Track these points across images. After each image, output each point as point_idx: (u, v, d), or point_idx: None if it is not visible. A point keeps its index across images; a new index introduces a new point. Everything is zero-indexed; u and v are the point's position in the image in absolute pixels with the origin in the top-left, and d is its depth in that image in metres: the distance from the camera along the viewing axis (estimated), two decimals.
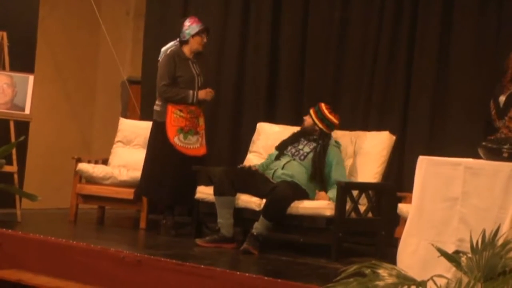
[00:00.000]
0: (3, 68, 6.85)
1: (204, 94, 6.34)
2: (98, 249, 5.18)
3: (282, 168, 5.89)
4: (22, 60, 7.40)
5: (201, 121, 6.40)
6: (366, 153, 6.05)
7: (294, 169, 5.86)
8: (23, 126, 7.06)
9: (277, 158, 6.03)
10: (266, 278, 4.48)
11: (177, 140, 6.27)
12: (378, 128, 6.28)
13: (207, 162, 6.47)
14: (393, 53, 6.57)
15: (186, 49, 6.36)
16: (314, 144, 5.96)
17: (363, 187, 5.76)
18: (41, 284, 5.02)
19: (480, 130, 5.81)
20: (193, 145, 6.32)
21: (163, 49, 6.45)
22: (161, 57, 6.43)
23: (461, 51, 6.26)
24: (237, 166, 6.21)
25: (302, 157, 5.91)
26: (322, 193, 5.74)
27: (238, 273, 4.59)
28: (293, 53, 7.16)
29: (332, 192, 5.62)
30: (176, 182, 6.25)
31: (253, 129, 6.72)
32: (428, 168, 3.95)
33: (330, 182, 5.79)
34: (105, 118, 8.44)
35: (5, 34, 6.86)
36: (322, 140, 5.94)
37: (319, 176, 5.83)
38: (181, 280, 4.70)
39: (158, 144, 6.35)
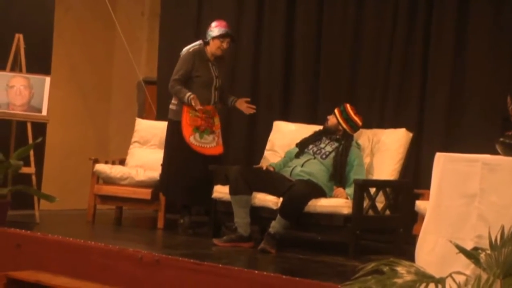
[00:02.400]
0: (20, 70, 6.89)
1: (245, 107, 6.48)
2: (116, 250, 5.19)
3: (302, 166, 5.89)
4: (39, 62, 7.44)
5: (217, 121, 6.42)
6: (383, 150, 6.03)
7: (314, 168, 5.85)
8: (40, 128, 7.10)
9: (297, 155, 6.02)
10: (284, 276, 4.48)
11: (192, 139, 6.29)
12: (395, 125, 6.26)
13: (223, 161, 6.49)
14: (408, 50, 6.55)
15: (208, 50, 6.41)
16: (336, 144, 5.96)
17: (381, 185, 5.74)
18: (59, 285, 5.04)
19: (497, 126, 5.77)
20: (209, 144, 6.34)
21: (186, 48, 6.49)
22: (182, 53, 6.47)
23: (477, 46, 6.22)
24: (253, 166, 6.21)
25: (324, 156, 5.90)
26: (340, 189, 5.73)
27: (256, 272, 4.59)
28: (308, 51, 7.14)
29: (350, 189, 5.62)
30: (193, 181, 6.28)
31: (269, 128, 6.72)
32: (445, 165, 3.93)
33: (349, 182, 5.78)
34: (121, 118, 8.46)
35: (21, 36, 6.90)
36: (344, 141, 5.94)
37: (339, 176, 5.83)
38: (199, 279, 4.71)
39: (174, 143, 6.38)
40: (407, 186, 5.85)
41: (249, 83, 7.46)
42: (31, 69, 6.96)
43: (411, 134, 6.07)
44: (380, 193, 5.70)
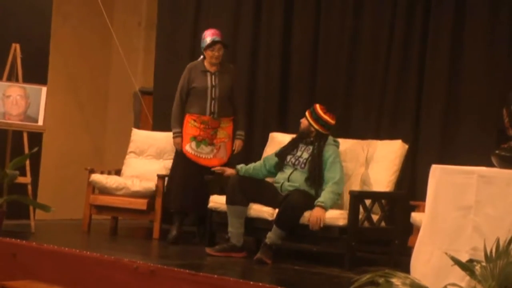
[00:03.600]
0: (17, 80, 6.90)
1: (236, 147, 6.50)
2: (112, 260, 5.19)
3: (288, 180, 5.87)
4: (35, 71, 7.45)
5: (221, 134, 6.42)
6: (378, 161, 6.03)
7: (298, 179, 5.81)
8: (36, 137, 7.10)
9: (280, 169, 5.96)
10: (279, 287, 4.47)
11: (188, 147, 6.34)
12: (390, 136, 6.26)
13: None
14: (405, 61, 6.56)
15: (206, 62, 6.46)
16: (311, 147, 5.90)
17: (376, 196, 5.75)
18: None
19: (493, 138, 5.79)
20: (205, 155, 6.35)
21: None
22: None
23: (473, 59, 6.23)
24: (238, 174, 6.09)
25: (303, 165, 5.84)
26: (314, 211, 5.50)
27: (251, 282, 4.58)
28: (305, 61, 7.16)
29: (324, 196, 5.55)
30: (189, 189, 6.30)
31: (265, 139, 6.73)
32: (441, 177, 3.94)
33: (325, 182, 5.71)
34: (117, 128, 8.47)
35: (18, 46, 6.91)
36: (318, 142, 5.89)
37: (317, 177, 5.73)
38: None
39: (176, 152, 6.50)
40: (403, 198, 5.85)
41: (246, 94, 7.46)
42: (27, 79, 6.96)
43: (407, 146, 6.08)
44: (376, 204, 5.70)
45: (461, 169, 3.92)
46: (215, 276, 4.71)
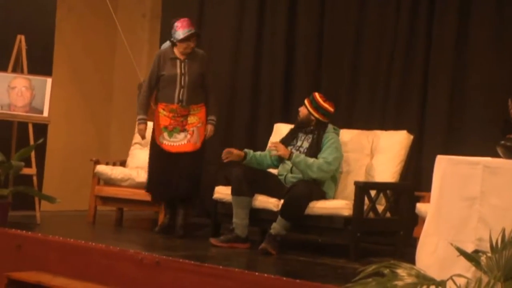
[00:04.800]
0: (21, 71, 6.90)
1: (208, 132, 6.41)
2: (117, 251, 5.20)
3: (291, 172, 5.86)
4: (40, 63, 7.46)
5: (192, 119, 6.32)
6: (383, 152, 6.03)
7: None
8: (41, 129, 7.11)
9: (282, 160, 5.95)
10: (284, 278, 4.48)
11: (161, 139, 6.30)
12: (396, 127, 6.26)
13: (203, 158, 6.42)
14: (409, 52, 6.56)
15: (176, 49, 6.37)
16: (311, 136, 5.89)
17: (381, 187, 5.74)
18: (60, 286, 5.05)
19: (498, 129, 5.77)
20: (179, 142, 6.29)
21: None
22: None
23: (478, 49, 6.22)
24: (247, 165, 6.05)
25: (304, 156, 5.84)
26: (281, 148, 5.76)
27: (256, 273, 4.59)
28: (309, 53, 7.15)
29: (304, 158, 5.67)
30: (166, 179, 6.26)
31: (270, 130, 6.72)
32: (446, 167, 3.93)
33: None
34: (122, 120, 8.47)
35: (23, 37, 6.90)
36: (318, 130, 5.88)
37: None
38: (200, 281, 4.71)
39: (151, 142, 6.44)
40: (408, 189, 5.85)
41: (251, 85, 7.48)
42: (32, 70, 6.96)
43: (412, 136, 6.06)
44: (381, 195, 5.70)
45: (467, 160, 3.91)
46: (220, 267, 4.72)
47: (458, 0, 6.30)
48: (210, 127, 6.41)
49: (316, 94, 5.97)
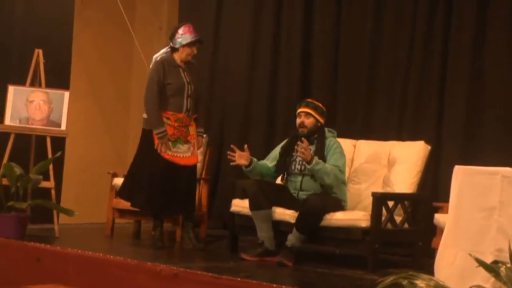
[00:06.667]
0: (39, 85, 6.94)
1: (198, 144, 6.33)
2: (135, 263, 5.20)
3: (301, 189, 5.84)
4: (58, 76, 7.50)
5: (192, 130, 6.25)
6: (401, 163, 6.01)
7: (310, 186, 5.79)
8: (59, 142, 7.15)
9: (287, 180, 5.92)
10: None
11: (164, 148, 6.11)
12: (413, 137, 6.24)
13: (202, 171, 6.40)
14: (426, 61, 6.54)
15: (177, 57, 6.26)
16: (314, 145, 5.82)
17: (399, 198, 5.72)
18: None
19: None
20: (183, 153, 6.19)
21: (154, 56, 6.35)
22: (152, 64, 6.31)
23: (495, 57, 6.20)
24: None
25: (308, 170, 5.75)
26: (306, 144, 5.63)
27: (274, 285, 4.57)
28: (325, 63, 7.16)
29: (324, 164, 5.60)
30: (163, 191, 6.11)
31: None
32: (464, 178, 3.92)
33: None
34: (139, 132, 8.45)
35: (40, 51, 6.95)
36: (318, 136, 5.83)
37: None
38: None
39: (144, 152, 6.23)
40: (426, 199, 5.82)
41: (267, 96, 7.49)
42: (50, 84, 7.00)
43: (429, 147, 6.04)
44: (399, 206, 5.68)
45: (485, 170, 3.90)
46: (238, 279, 4.71)
47: (475, 7, 6.28)
48: (200, 140, 6.36)
49: (311, 100, 5.99)
